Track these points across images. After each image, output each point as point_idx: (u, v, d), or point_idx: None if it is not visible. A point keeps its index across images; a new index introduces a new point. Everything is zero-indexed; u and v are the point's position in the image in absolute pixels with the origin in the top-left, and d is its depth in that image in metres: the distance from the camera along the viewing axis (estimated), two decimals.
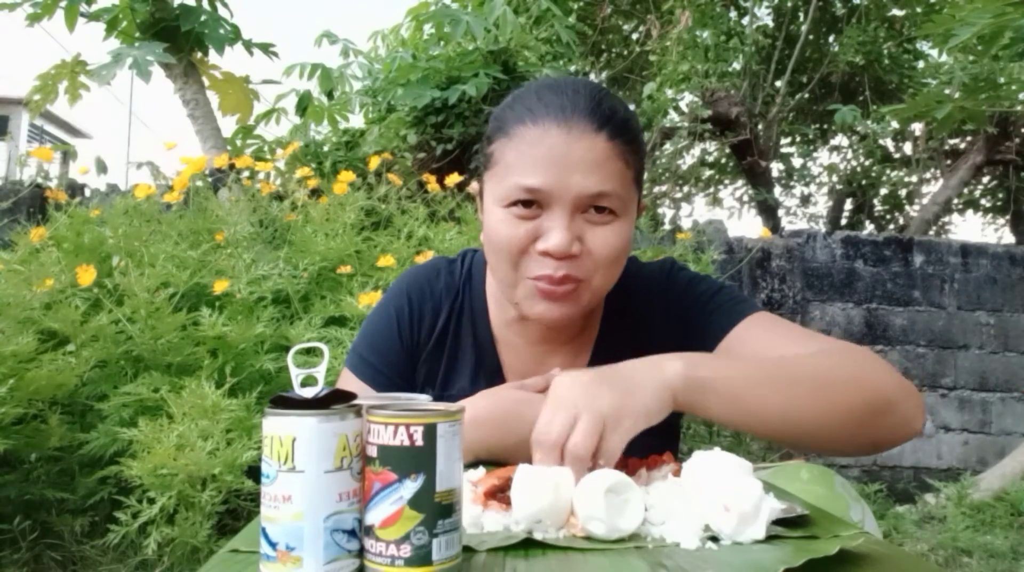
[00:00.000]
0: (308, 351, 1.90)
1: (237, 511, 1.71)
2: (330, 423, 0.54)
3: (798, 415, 0.81)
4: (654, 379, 0.75)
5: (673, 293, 1.01)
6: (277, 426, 0.54)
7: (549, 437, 0.70)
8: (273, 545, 0.53)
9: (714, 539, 0.61)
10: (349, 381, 1.03)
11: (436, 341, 1.04)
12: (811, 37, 5.97)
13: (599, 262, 0.89)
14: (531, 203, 0.88)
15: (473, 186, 1.01)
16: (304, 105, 3.56)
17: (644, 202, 1.01)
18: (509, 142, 0.91)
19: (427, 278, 1.07)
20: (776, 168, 7.02)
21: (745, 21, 5.94)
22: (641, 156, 0.95)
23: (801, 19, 5.99)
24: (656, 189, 7.14)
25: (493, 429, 0.89)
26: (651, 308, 1.02)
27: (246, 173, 2.73)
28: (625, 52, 6.47)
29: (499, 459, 0.85)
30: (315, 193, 2.58)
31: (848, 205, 7.65)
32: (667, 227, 3.87)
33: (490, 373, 1.03)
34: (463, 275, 1.07)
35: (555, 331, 1.00)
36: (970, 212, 7.56)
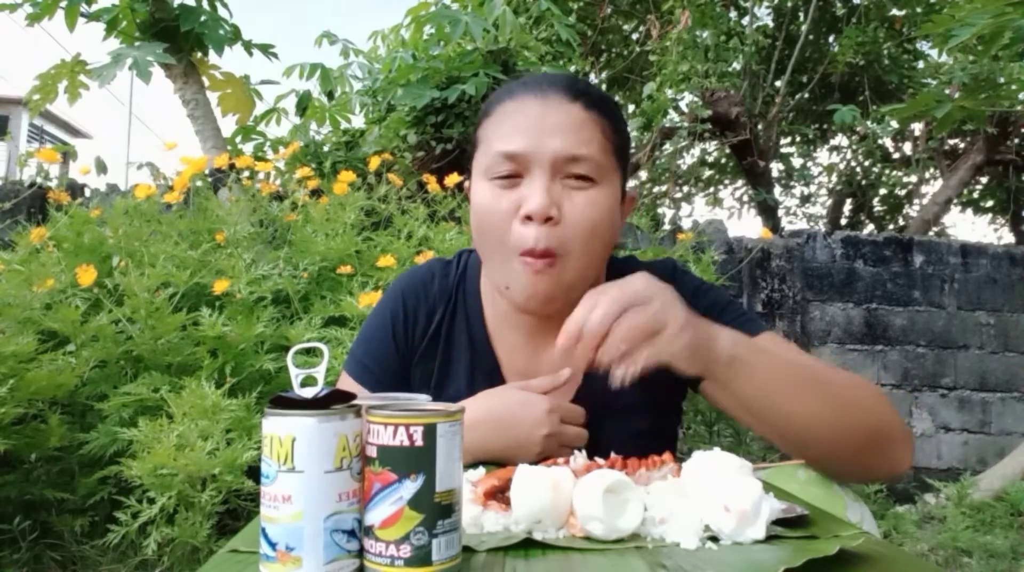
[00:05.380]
0: (308, 351, 1.90)
1: (237, 511, 1.71)
2: (330, 423, 0.54)
3: (815, 423, 0.83)
4: (707, 336, 0.80)
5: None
6: (277, 426, 0.54)
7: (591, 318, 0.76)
8: (273, 545, 0.53)
9: (714, 539, 0.61)
10: (347, 385, 1.03)
11: (429, 342, 1.04)
12: (811, 37, 5.96)
13: (577, 231, 0.89)
14: (512, 172, 0.91)
15: (467, 185, 1.00)
16: (304, 105, 3.56)
17: (633, 192, 1.02)
18: (490, 120, 0.95)
19: (422, 281, 1.07)
20: (776, 168, 7.01)
21: (745, 21, 5.93)
22: (621, 134, 0.96)
23: (801, 19, 5.98)
24: (656, 189, 7.13)
25: (490, 432, 0.89)
26: None
27: (246, 173, 2.73)
28: (625, 52, 6.46)
29: (497, 461, 0.86)
30: (315, 193, 2.58)
31: (848, 205, 7.65)
32: (667, 227, 3.87)
33: (487, 372, 1.02)
34: (457, 276, 1.07)
35: (549, 322, 0.94)
36: (970, 213, 7.56)
